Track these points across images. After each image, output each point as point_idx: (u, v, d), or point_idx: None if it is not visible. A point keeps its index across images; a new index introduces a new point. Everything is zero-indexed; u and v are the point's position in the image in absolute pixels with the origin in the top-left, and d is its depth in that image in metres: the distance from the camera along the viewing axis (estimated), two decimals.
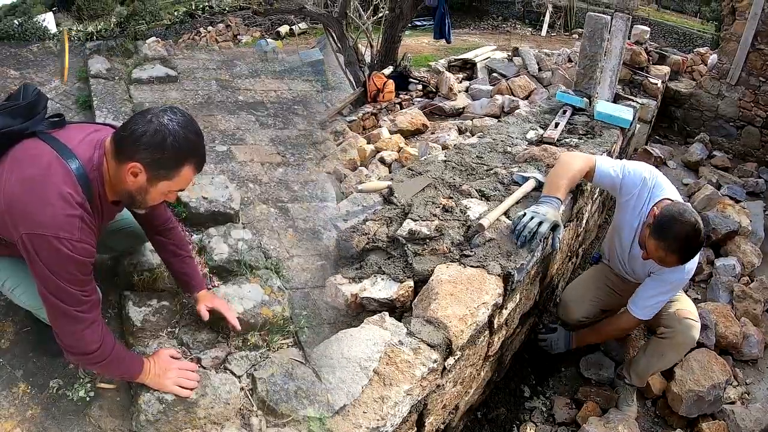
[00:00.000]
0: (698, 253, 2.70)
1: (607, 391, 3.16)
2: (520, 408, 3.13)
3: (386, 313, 2.15)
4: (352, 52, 9.04)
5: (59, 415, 1.91)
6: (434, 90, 8.89)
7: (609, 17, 4.09)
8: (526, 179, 2.94)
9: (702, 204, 4.89)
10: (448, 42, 10.32)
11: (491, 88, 8.65)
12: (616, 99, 4.53)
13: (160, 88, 5.04)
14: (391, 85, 8.48)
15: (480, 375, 2.61)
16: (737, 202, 5.14)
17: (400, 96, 8.62)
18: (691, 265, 2.74)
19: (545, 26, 17.28)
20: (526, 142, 3.57)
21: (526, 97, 8.17)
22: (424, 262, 2.38)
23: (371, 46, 9.57)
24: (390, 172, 5.84)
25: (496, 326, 2.42)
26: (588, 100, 4.15)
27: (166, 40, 7.49)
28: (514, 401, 3.15)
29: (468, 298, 2.17)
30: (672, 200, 2.66)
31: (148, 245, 2.41)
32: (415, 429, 2.02)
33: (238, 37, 15.42)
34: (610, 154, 3.55)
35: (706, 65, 7.44)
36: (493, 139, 3.58)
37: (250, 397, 1.87)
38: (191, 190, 2.87)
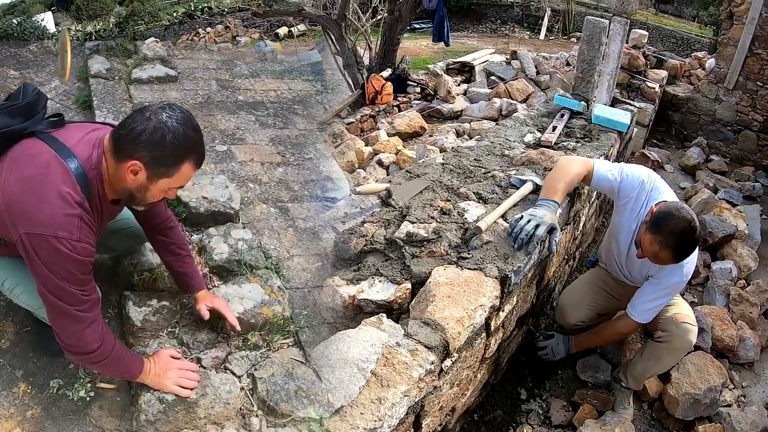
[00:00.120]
0: (695, 254, 2.71)
1: (603, 393, 3.17)
2: (517, 410, 3.14)
3: (384, 314, 2.16)
4: (351, 54, 9.05)
5: (59, 415, 1.91)
6: (432, 93, 8.92)
7: (607, 21, 4.10)
8: (524, 182, 2.95)
9: (699, 208, 4.90)
10: (447, 45, 10.32)
11: (489, 91, 8.67)
12: (614, 103, 4.55)
13: (160, 88, 5.04)
14: (389, 87, 8.49)
15: (477, 377, 2.62)
16: (734, 205, 5.16)
17: (399, 98, 8.65)
18: (689, 267, 2.75)
19: (543, 30, 17.30)
20: (524, 146, 3.58)
21: (524, 101, 8.19)
22: (422, 264, 2.39)
23: (370, 49, 9.58)
24: (388, 175, 5.86)
25: (493, 328, 2.42)
26: (586, 104, 4.16)
27: (165, 40, 7.46)
28: (511, 403, 3.16)
29: (465, 300, 2.17)
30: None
31: (148, 245, 2.41)
32: (412, 431, 2.03)
33: (236, 38, 15.40)
34: (607, 158, 3.57)
35: (703, 69, 7.47)
36: (491, 142, 3.59)
37: (250, 397, 1.88)
38: (191, 189, 2.87)
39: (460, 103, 8.43)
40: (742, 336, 3.63)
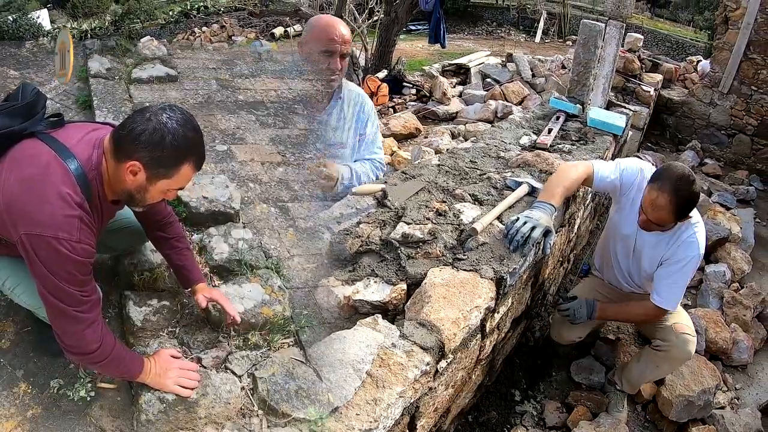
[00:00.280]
0: (702, 231, 2.71)
1: (597, 395, 3.19)
2: (511, 412, 3.16)
3: (379, 315, 2.16)
4: None
5: (60, 414, 1.90)
6: (428, 94, 8.94)
7: (603, 25, 4.14)
8: (519, 184, 2.98)
9: None
10: (443, 47, 10.36)
11: (485, 93, 8.70)
12: (609, 106, 4.58)
13: (160, 88, 5.01)
14: (385, 88, 8.51)
15: (471, 378, 2.64)
16: (728, 209, 5.21)
17: (394, 100, 8.66)
18: (701, 238, 2.70)
19: (539, 33, 17.32)
20: (519, 148, 3.60)
21: (520, 103, 8.22)
22: (417, 265, 2.40)
23: (366, 50, 9.59)
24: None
25: (488, 330, 2.44)
26: (581, 107, 4.19)
27: (161, 39, 7.43)
28: (505, 405, 3.17)
29: (461, 301, 2.19)
30: None
31: (149, 245, 2.40)
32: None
33: (232, 37, 15.34)
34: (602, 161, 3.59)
35: (698, 73, 7.52)
36: (487, 144, 3.61)
37: (250, 396, 1.87)
38: (191, 189, 2.86)
39: (455, 105, 8.44)
40: (736, 338, 3.66)
